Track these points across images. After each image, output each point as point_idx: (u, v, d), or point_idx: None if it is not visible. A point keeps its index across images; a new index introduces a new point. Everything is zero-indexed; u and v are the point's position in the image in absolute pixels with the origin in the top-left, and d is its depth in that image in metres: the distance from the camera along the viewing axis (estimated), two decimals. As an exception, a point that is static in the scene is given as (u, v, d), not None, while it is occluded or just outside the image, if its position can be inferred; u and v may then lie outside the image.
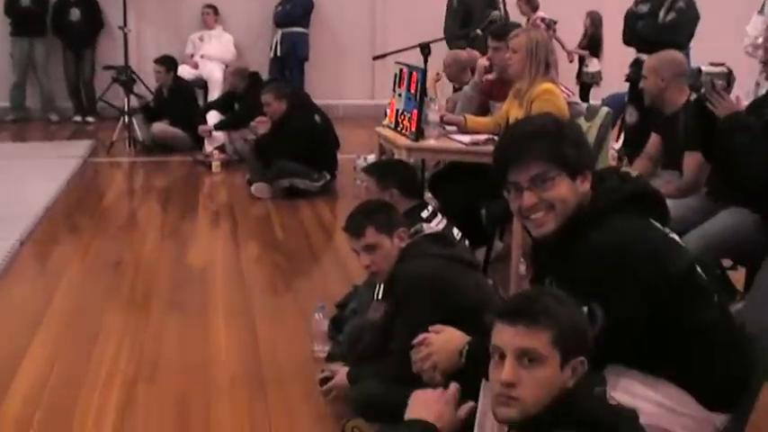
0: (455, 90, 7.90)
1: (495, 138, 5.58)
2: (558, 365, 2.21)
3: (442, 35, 8.86)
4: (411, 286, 3.91)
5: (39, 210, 7.87)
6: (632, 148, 6.51)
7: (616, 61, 10.22)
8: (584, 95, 11.53)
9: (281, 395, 4.50)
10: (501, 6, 10.58)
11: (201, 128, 10.43)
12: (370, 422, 3.94)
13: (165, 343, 5.17)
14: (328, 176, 8.88)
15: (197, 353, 5.02)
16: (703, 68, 4.87)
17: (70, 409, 4.35)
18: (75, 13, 12.73)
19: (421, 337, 3.17)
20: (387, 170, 5.10)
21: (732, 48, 7.98)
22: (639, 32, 8.03)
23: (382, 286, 4.38)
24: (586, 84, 11.87)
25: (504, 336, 2.24)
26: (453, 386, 2.43)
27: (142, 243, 7.28)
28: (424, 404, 2.34)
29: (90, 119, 12.93)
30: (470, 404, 2.42)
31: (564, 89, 6.36)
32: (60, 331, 5.32)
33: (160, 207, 8.63)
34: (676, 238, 2.88)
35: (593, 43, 11.92)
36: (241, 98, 10.26)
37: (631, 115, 7.09)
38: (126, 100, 10.97)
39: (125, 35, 11.35)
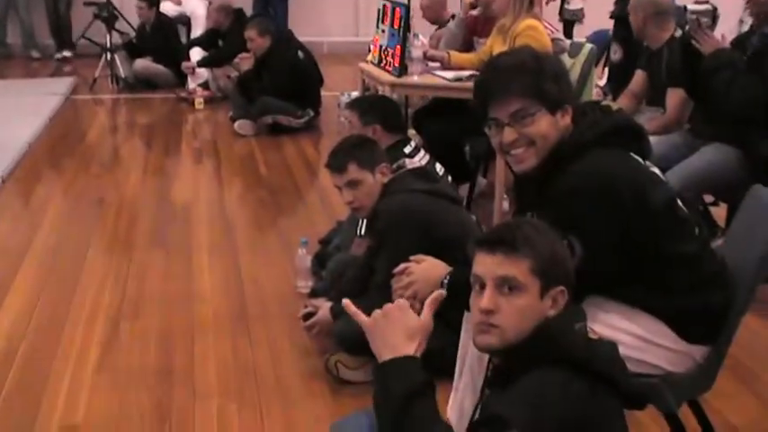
0: (438, 28, 7.86)
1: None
2: (538, 294, 2.21)
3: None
4: (393, 221, 3.92)
5: (21, 147, 7.84)
6: (617, 84, 6.50)
7: (600, -2, 10.16)
8: (568, 32, 11.47)
9: (265, 331, 4.52)
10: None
11: (185, 64, 10.39)
12: (354, 356, 3.99)
13: (149, 279, 5.17)
14: (312, 113, 8.86)
15: (180, 289, 5.03)
16: (689, 7, 4.86)
17: (54, 344, 4.36)
18: (55, -52, 12.57)
19: (402, 266, 3.19)
20: (370, 105, 5.08)
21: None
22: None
23: (365, 222, 4.39)
24: (568, 21, 11.81)
25: (484, 264, 2.23)
26: (398, 300, 2.34)
27: (125, 180, 7.27)
28: (383, 340, 2.20)
29: (66, 53, 12.78)
30: (434, 298, 2.29)
31: (548, 25, 6.34)
32: (43, 268, 5.33)
33: (143, 144, 8.61)
34: (657, 171, 2.89)
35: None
36: (225, 35, 10.21)
37: (615, 52, 7.06)
38: (108, 36, 10.86)
39: (106, -30, 11.22)
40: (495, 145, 2.87)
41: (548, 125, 2.76)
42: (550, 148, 2.77)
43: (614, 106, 3.08)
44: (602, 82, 8.24)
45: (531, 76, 2.75)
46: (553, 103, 2.76)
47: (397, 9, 6.24)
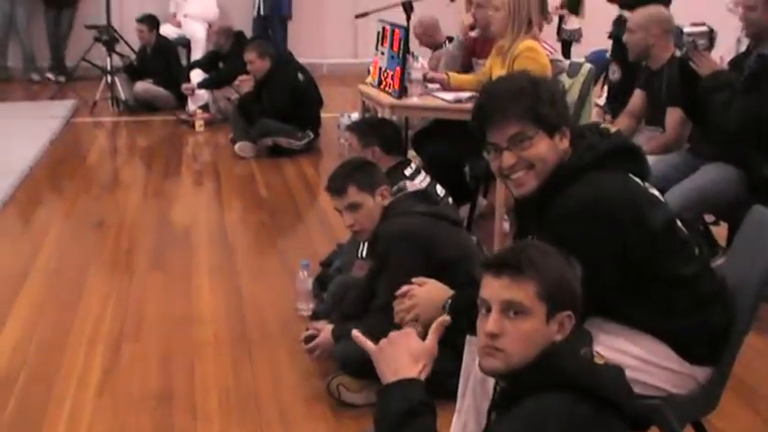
0: (435, 49, 7.89)
1: (479, 95, 5.58)
2: (544, 318, 2.21)
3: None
4: (394, 244, 3.91)
5: (21, 170, 7.85)
6: (616, 104, 6.51)
7: (598, 18, 10.19)
8: (566, 52, 11.53)
9: (266, 353, 4.52)
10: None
11: (185, 86, 10.41)
12: (356, 379, 3.98)
13: (150, 302, 5.17)
14: (312, 135, 8.87)
15: (181, 311, 5.03)
16: (685, 30, 4.86)
17: (55, 368, 4.36)
18: (56, -28, 12.61)
19: (404, 288, 3.18)
20: (369, 128, 5.09)
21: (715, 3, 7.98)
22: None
23: (366, 245, 4.39)
24: (566, 41, 11.87)
25: (490, 288, 2.24)
26: (406, 327, 2.37)
27: (126, 203, 7.27)
28: (388, 365, 2.24)
29: (50, 75, 12.77)
30: (439, 323, 2.33)
31: (546, 46, 6.35)
32: (44, 291, 5.33)
33: (144, 166, 8.63)
34: (656, 193, 2.89)
35: (572, 2, 11.89)
36: (225, 57, 10.24)
37: (614, 72, 7.07)
38: (108, 59, 10.88)
39: (108, -6, 11.24)
40: (494, 169, 2.88)
41: (546, 148, 2.77)
42: (550, 170, 2.78)
43: (613, 128, 3.08)
44: (602, 101, 8.26)
45: (528, 100, 2.75)
46: (551, 126, 2.77)
47: (397, 31, 6.25)
